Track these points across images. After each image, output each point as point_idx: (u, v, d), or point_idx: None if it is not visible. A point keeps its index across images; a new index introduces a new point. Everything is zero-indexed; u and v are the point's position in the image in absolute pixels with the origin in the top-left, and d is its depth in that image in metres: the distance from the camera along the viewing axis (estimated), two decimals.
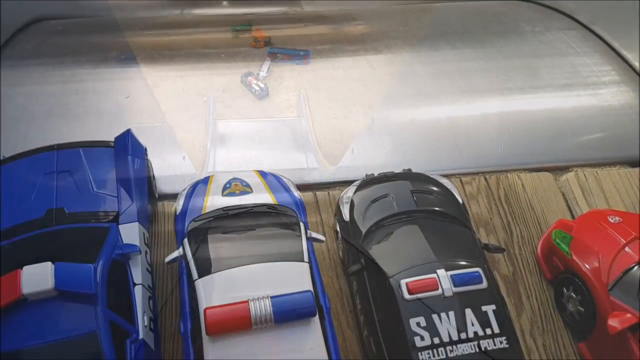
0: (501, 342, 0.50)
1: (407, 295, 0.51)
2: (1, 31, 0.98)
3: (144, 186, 0.66)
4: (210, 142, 0.79)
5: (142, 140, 0.77)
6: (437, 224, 0.58)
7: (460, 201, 0.61)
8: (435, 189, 0.62)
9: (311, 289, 0.53)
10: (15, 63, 0.91)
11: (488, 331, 0.50)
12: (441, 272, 0.52)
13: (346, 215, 0.62)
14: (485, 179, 0.78)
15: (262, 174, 0.68)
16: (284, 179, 0.68)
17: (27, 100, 0.83)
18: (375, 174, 0.66)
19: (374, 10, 1.30)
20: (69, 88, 0.86)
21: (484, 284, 0.52)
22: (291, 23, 1.27)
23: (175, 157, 0.78)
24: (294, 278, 0.54)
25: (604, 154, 0.82)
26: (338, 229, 0.64)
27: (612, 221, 0.67)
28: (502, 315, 0.51)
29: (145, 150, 0.71)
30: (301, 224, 0.60)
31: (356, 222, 0.60)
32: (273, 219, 0.61)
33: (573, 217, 0.75)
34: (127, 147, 0.66)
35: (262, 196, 0.64)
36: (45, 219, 0.60)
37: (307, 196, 0.75)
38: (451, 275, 0.51)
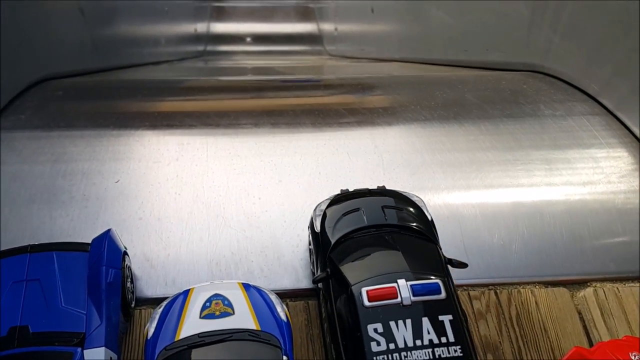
0: (455, 351, 0.51)
1: (366, 303, 0.53)
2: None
3: (116, 300, 0.61)
4: None
5: (126, 234, 0.73)
6: (404, 238, 0.60)
7: (430, 218, 0.63)
8: (405, 205, 0.64)
9: None
10: (7, 136, 0.87)
11: (443, 339, 0.51)
12: (402, 282, 0.54)
13: (317, 227, 0.63)
14: (496, 293, 0.71)
15: (246, 288, 0.62)
16: (270, 296, 0.62)
17: (11, 182, 0.79)
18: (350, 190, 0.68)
19: (388, 80, 1.26)
20: (57, 169, 0.82)
21: (443, 295, 0.54)
22: (302, 90, 1.23)
23: (159, 256, 0.73)
24: None
25: (627, 267, 0.75)
26: (310, 239, 0.66)
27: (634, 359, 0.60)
28: (459, 326, 0.53)
29: (125, 253, 0.66)
30: (284, 359, 0.54)
31: (326, 233, 0.62)
32: (252, 351, 0.55)
33: (591, 342, 0.68)
34: (102, 255, 0.62)
35: (244, 319, 0.58)
36: (6, 339, 0.56)
37: (297, 307, 0.69)
38: (411, 285, 0.53)
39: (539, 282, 0.73)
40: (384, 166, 0.86)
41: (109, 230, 0.65)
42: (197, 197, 0.80)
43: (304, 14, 5.30)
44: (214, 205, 0.79)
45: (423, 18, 1.96)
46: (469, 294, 0.71)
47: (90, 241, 0.65)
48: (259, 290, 0.62)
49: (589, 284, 0.73)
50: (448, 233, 0.77)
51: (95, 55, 1.48)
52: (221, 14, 5.12)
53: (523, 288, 0.72)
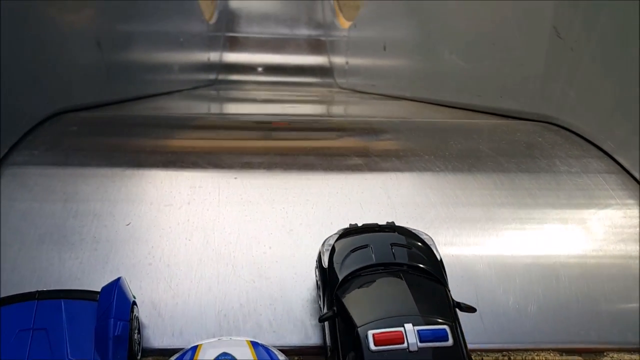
0: None
1: (373, 347, 0.52)
2: (14, 129, 0.95)
3: (123, 353, 0.60)
4: None
5: (135, 280, 0.72)
6: (412, 278, 0.60)
7: (439, 258, 0.63)
8: (415, 243, 0.64)
9: None
10: (19, 172, 0.87)
11: None
12: (409, 326, 0.53)
13: (325, 262, 0.63)
14: None
15: (255, 346, 0.61)
16: (279, 357, 0.60)
17: (22, 221, 0.79)
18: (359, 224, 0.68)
19: (400, 125, 1.26)
20: (69, 209, 0.81)
21: (450, 342, 0.53)
22: (314, 131, 1.23)
23: (167, 304, 0.71)
24: None
25: None
26: (316, 274, 0.67)
27: None
28: None
29: (134, 302, 0.65)
30: None
31: (334, 269, 0.62)
32: None
33: None
34: (110, 307, 0.60)
35: None
36: None
37: None
38: (418, 331, 0.53)
39: (554, 349, 0.71)
40: (397, 218, 0.84)
41: (118, 279, 0.64)
42: (207, 243, 0.79)
43: (316, 47, 5.37)
44: (224, 253, 0.78)
45: (435, 60, 1.97)
46: (482, 359, 0.69)
47: (99, 287, 0.64)
48: (267, 349, 0.61)
49: (605, 353, 0.71)
50: (463, 293, 0.74)
51: (110, 87, 1.49)
52: (234, 44, 5.20)
53: (537, 355, 0.70)
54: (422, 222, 0.84)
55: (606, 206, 0.89)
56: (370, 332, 0.54)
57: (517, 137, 1.12)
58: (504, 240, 0.83)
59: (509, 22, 1.38)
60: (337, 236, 0.68)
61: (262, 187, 0.89)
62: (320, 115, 2.35)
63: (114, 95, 1.54)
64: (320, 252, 0.68)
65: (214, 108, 2.69)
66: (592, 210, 0.88)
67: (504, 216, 0.86)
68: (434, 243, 0.68)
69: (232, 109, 2.95)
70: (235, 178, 0.91)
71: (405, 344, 0.52)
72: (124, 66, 1.63)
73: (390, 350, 0.52)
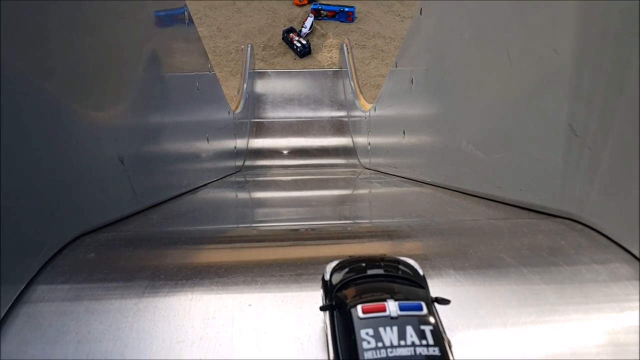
0: (434, 351, 0.62)
1: (361, 315, 0.65)
2: (32, 262, 0.96)
3: None
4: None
5: None
6: (397, 282, 0.73)
7: (422, 274, 0.76)
8: (402, 261, 0.78)
9: None
10: (34, 311, 0.87)
11: (424, 342, 0.62)
12: (390, 301, 0.66)
13: (327, 276, 0.77)
14: None
15: None
16: None
17: None
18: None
19: (419, 230, 1.24)
20: (81, 351, 0.79)
21: (425, 311, 0.66)
22: (338, 242, 1.22)
23: None
24: None
25: None
26: (322, 288, 0.79)
27: None
28: (438, 334, 0.64)
29: None
30: None
31: (332, 280, 0.75)
32: None
33: None
34: None
35: None
36: None
37: None
38: (398, 303, 0.66)
39: None
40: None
41: None
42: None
43: (339, 128, 5.48)
44: None
45: (453, 149, 1.98)
46: None
47: None
48: None
49: None
50: None
51: (135, 200, 1.53)
52: (260, 129, 5.34)
53: None
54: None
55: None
56: (359, 306, 0.66)
57: (538, 240, 1.08)
58: None
59: (524, 117, 1.38)
60: (337, 261, 0.80)
61: (277, 315, 0.87)
62: (341, 212, 2.35)
63: (138, 206, 1.57)
64: (323, 274, 0.79)
65: (239, 201, 2.72)
66: (626, 326, 0.83)
67: (531, 338, 0.82)
68: (418, 266, 0.78)
69: (258, 198, 2.98)
70: (250, 304, 0.90)
71: (388, 312, 0.65)
72: (148, 177, 1.67)
73: (375, 317, 0.65)
